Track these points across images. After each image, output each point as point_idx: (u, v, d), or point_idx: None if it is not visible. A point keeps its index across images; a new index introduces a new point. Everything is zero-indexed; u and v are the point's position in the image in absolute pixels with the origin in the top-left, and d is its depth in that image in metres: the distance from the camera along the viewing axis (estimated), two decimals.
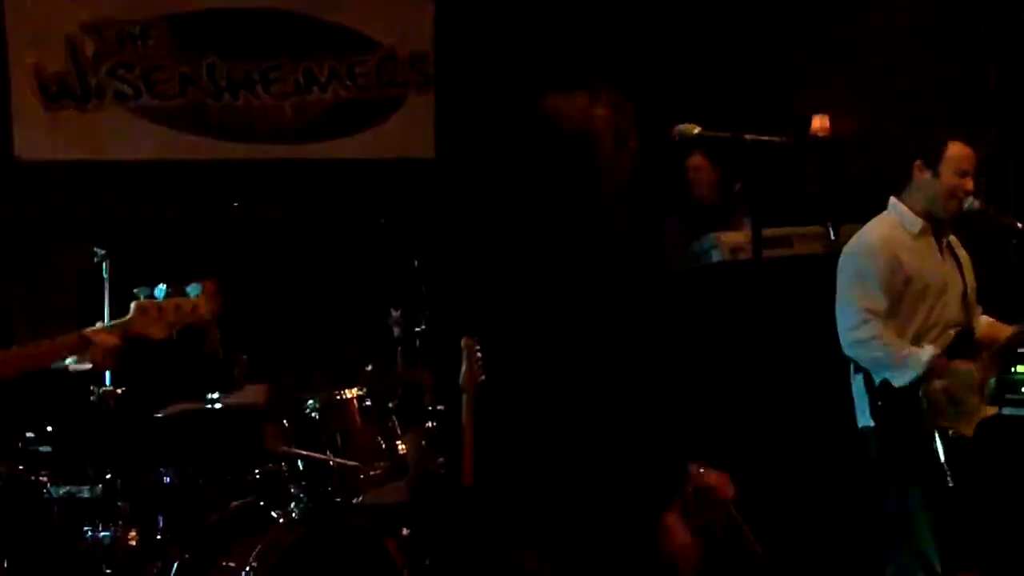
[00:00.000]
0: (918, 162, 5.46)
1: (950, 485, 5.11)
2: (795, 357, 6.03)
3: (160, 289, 4.35)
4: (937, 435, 5.16)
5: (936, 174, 5.41)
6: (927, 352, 5.23)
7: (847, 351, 5.38)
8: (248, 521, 5.59)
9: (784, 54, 8.51)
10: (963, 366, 5.28)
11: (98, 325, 4.35)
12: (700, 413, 6.81)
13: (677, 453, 3.82)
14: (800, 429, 5.88)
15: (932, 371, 5.18)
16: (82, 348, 4.28)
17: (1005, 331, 5.58)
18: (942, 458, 5.14)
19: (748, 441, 5.10)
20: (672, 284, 7.13)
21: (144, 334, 4.34)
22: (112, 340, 4.28)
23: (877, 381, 5.29)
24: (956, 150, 5.44)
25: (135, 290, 4.39)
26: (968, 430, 5.23)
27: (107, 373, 5.67)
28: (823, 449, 6.31)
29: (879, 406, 5.29)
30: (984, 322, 5.63)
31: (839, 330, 5.40)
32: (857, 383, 5.44)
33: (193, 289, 4.39)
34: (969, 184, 5.42)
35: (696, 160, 7.50)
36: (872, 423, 5.36)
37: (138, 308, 4.32)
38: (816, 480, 6.38)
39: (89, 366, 4.44)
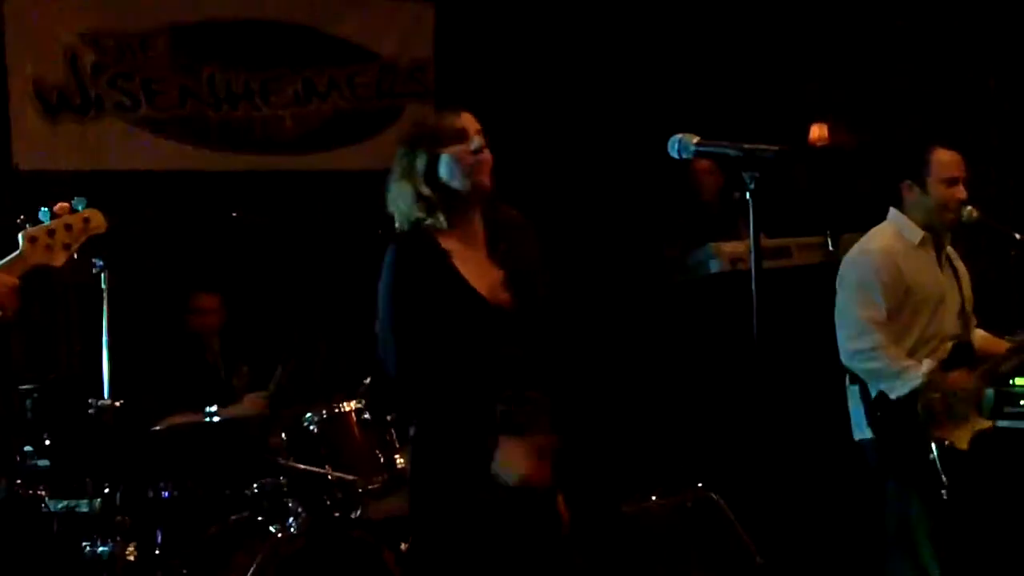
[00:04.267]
0: (905, 181, 5.41)
1: (945, 496, 5.10)
2: (794, 367, 6.02)
3: (44, 212, 4.14)
4: (934, 446, 5.15)
5: (925, 189, 5.35)
6: (925, 365, 5.21)
7: (845, 361, 5.36)
8: (247, 535, 5.59)
9: (783, 64, 8.52)
10: (959, 378, 5.26)
11: None
12: (699, 424, 6.83)
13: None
14: (799, 439, 5.87)
15: (929, 384, 5.17)
16: None
17: (1000, 345, 5.56)
18: (939, 469, 5.12)
19: (747, 451, 5.09)
20: (672, 294, 7.15)
21: (43, 263, 4.11)
22: (4, 282, 4.02)
23: (873, 392, 5.28)
24: (940, 157, 5.35)
25: (20, 219, 4.17)
26: (963, 442, 5.22)
27: (106, 385, 5.66)
28: (822, 460, 6.30)
29: (877, 417, 5.28)
30: (979, 336, 5.61)
31: (839, 339, 5.38)
32: (853, 394, 5.43)
33: (79, 203, 4.17)
34: (961, 193, 5.34)
35: (703, 163, 7.49)
36: (869, 435, 5.35)
37: (27, 238, 4.08)
38: (815, 491, 6.37)
39: None
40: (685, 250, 7.19)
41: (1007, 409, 5.54)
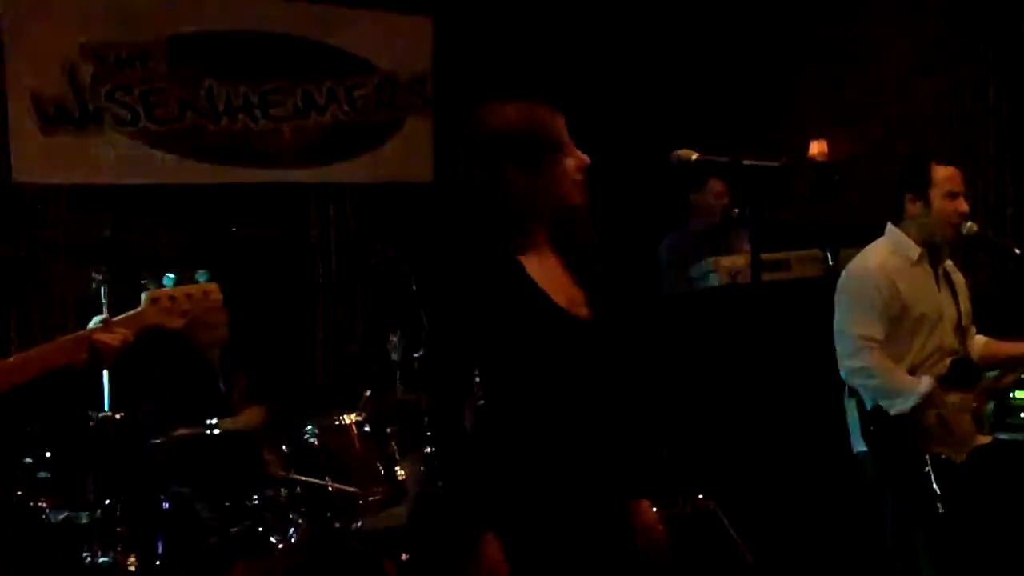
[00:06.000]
0: (907, 194, 5.43)
1: (941, 510, 5.10)
2: (793, 380, 6.03)
3: (169, 278, 4.29)
4: (929, 460, 5.16)
5: (927, 203, 5.37)
6: (924, 383, 5.21)
7: (844, 378, 5.38)
8: (247, 546, 5.58)
9: (783, 79, 8.54)
10: (960, 400, 5.27)
11: (95, 320, 4.19)
12: (699, 436, 6.83)
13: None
14: (798, 452, 5.88)
15: (928, 401, 5.18)
16: (82, 350, 4.10)
17: (1004, 348, 5.57)
18: (934, 483, 5.13)
19: (745, 464, 5.09)
20: (670, 307, 7.16)
21: (160, 325, 4.24)
22: (118, 339, 4.12)
23: (870, 406, 5.29)
24: (941, 173, 5.39)
25: (143, 280, 4.34)
26: (960, 456, 5.23)
27: (106, 397, 5.67)
28: (820, 473, 6.30)
29: (871, 430, 5.29)
30: (980, 342, 5.62)
31: (837, 357, 5.39)
32: (851, 407, 5.44)
33: (201, 275, 4.34)
34: (963, 206, 5.37)
35: (718, 186, 7.53)
36: (866, 448, 5.36)
37: (151, 299, 4.21)
38: (814, 503, 6.38)
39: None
40: (685, 264, 7.20)
41: (1007, 421, 5.54)
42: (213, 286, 4.30)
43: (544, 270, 3.63)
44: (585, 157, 3.68)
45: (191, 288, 4.27)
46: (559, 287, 3.63)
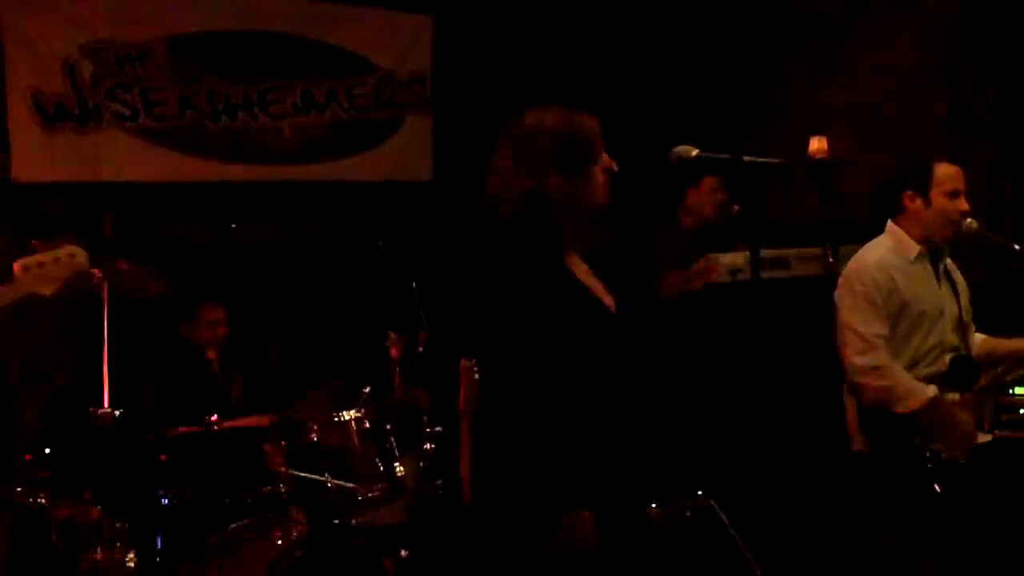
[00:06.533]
0: (907, 192, 5.42)
1: (941, 508, 5.10)
2: (792, 379, 6.02)
3: (34, 248, 4.38)
4: (930, 458, 5.15)
5: (928, 201, 5.36)
6: (930, 390, 5.19)
7: (852, 377, 5.34)
8: (247, 542, 5.59)
9: (783, 76, 8.54)
10: (961, 410, 5.25)
11: None
12: (698, 434, 6.83)
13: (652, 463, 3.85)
14: (797, 450, 5.87)
15: (931, 405, 5.17)
16: None
17: (1004, 345, 5.57)
18: (934, 481, 5.12)
19: (745, 462, 5.09)
20: (669, 305, 7.15)
21: (35, 292, 4.36)
22: None
23: (872, 405, 5.28)
24: (943, 171, 5.38)
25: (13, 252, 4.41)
26: (961, 456, 5.22)
27: (106, 394, 5.67)
28: (819, 471, 6.30)
29: (872, 428, 5.28)
30: (978, 340, 5.62)
31: (842, 356, 5.36)
32: (850, 405, 5.43)
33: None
34: (963, 205, 5.36)
35: (713, 182, 7.50)
36: (866, 446, 5.35)
37: (22, 267, 4.34)
38: (813, 501, 6.37)
39: None
40: (683, 262, 7.19)
41: (1007, 419, 5.53)
42: (77, 249, 4.43)
43: (578, 269, 3.70)
44: (612, 162, 3.70)
45: (57, 252, 4.40)
46: (594, 286, 3.71)
